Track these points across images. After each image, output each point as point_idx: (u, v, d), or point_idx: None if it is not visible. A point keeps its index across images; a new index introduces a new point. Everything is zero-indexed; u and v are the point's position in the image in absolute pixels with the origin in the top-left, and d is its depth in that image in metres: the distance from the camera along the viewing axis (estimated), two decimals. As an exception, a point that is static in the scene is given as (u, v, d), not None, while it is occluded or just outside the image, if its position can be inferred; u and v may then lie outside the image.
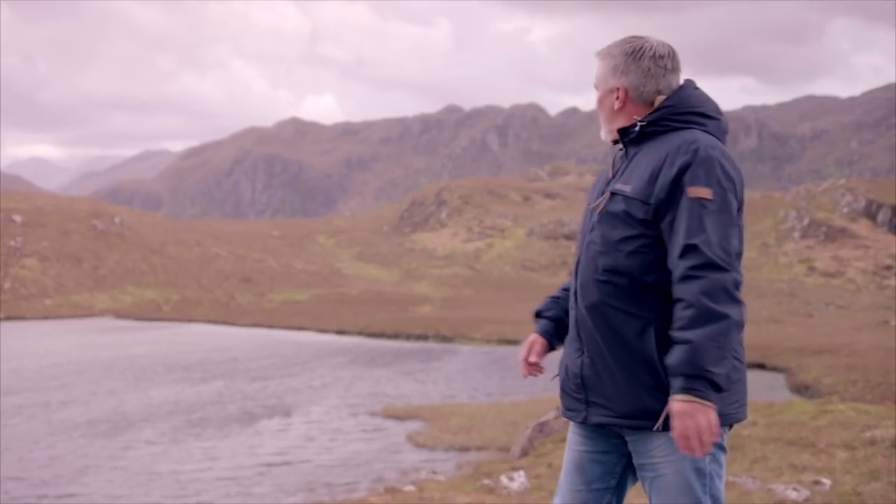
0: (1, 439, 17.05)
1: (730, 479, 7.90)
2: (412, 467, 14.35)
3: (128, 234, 77.88)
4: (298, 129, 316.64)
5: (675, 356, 2.53)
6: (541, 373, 3.01)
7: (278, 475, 14.30)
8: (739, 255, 2.75)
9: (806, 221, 75.11)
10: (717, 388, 2.52)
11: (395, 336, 41.91)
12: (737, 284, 2.55)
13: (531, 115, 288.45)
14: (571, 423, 2.93)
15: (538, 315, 3.06)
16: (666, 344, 2.63)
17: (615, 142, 2.89)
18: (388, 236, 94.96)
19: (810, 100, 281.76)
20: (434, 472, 12.96)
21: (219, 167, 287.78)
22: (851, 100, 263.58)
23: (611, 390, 2.74)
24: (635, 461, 2.80)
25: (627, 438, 2.79)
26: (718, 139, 2.75)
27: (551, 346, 3.02)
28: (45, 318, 55.95)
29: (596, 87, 2.90)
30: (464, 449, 15.88)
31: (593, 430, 2.87)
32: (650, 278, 2.66)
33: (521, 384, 25.35)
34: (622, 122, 2.83)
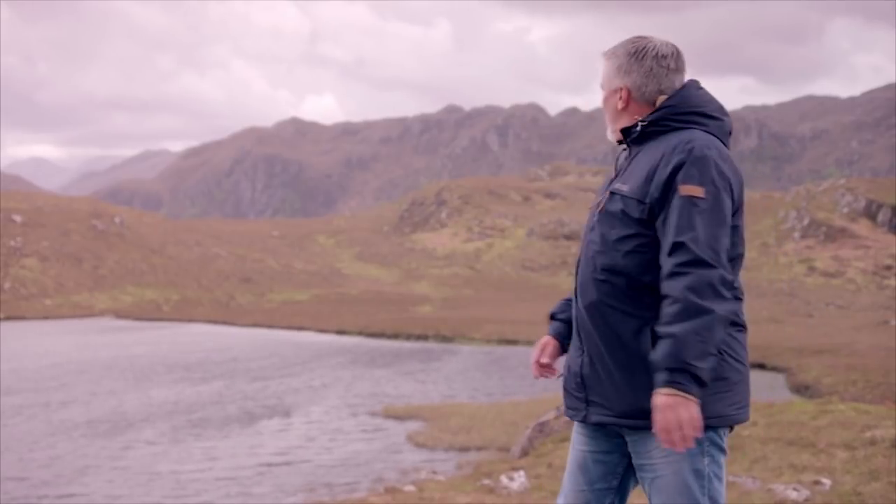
0: (1, 439, 17.05)
1: (730, 479, 7.90)
2: (412, 467, 14.35)
3: (128, 234, 77.89)
4: (298, 129, 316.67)
5: (658, 350, 2.55)
6: (553, 375, 3.02)
7: (278, 475, 14.30)
8: (741, 256, 2.76)
9: (806, 221, 75.11)
10: (700, 383, 2.53)
11: (395, 336, 41.92)
12: (724, 281, 2.56)
13: (531, 115, 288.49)
14: (575, 423, 2.94)
15: (552, 317, 3.08)
16: None
17: (619, 141, 2.90)
18: (388, 236, 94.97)
19: (810, 100, 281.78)
20: (434, 472, 12.96)
21: (219, 167, 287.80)
22: (851, 100, 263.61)
23: (609, 389, 2.75)
24: (635, 461, 2.81)
25: (627, 438, 2.80)
26: (720, 139, 2.76)
27: (564, 349, 3.02)
28: (45, 318, 55.95)
29: (602, 86, 2.92)
30: (464, 449, 15.88)
31: (596, 430, 2.88)
32: (647, 278, 2.67)
33: (521, 384, 25.36)
34: (625, 122, 2.85)
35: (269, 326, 48.47)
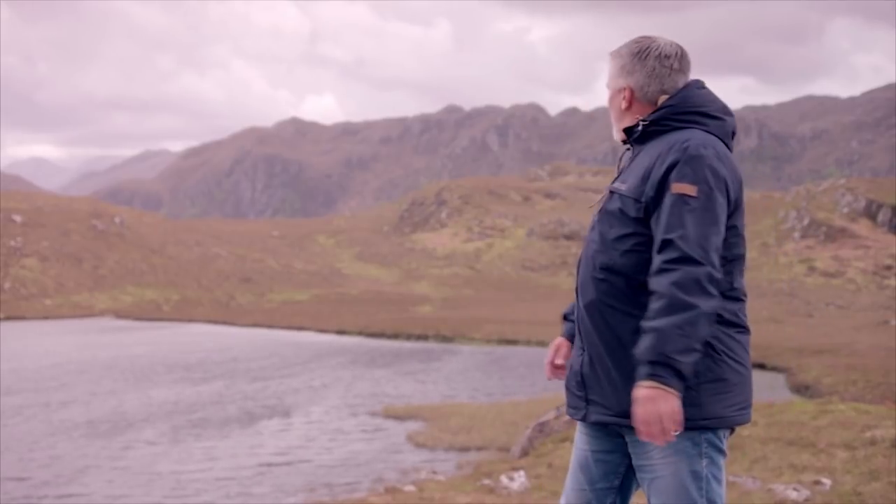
0: (1, 439, 17.05)
1: (730, 479, 7.90)
2: (412, 467, 14.35)
3: (128, 234, 77.89)
4: (298, 129, 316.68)
5: (641, 344, 2.56)
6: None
7: (278, 475, 14.30)
8: (742, 257, 2.76)
9: (806, 221, 75.11)
10: (682, 378, 2.53)
11: (395, 336, 41.92)
12: (711, 278, 2.56)
13: (531, 115, 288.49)
14: (578, 423, 2.95)
15: (565, 318, 3.09)
16: None
17: (624, 141, 2.91)
18: (388, 236, 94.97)
19: (810, 100, 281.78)
20: (434, 472, 12.96)
21: (219, 167, 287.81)
22: (851, 100, 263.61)
23: (608, 389, 2.76)
24: (634, 462, 2.81)
25: (627, 439, 2.80)
26: (722, 139, 2.77)
27: None
28: (45, 318, 55.95)
29: (607, 86, 2.94)
30: (464, 449, 15.88)
31: (598, 430, 2.88)
32: (645, 277, 2.67)
33: (521, 384, 25.37)
34: (629, 122, 2.87)
35: (269, 326, 48.47)
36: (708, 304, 2.54)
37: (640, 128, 2.82)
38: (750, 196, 74.83)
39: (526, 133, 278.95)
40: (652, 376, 2.53)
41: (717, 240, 2.61)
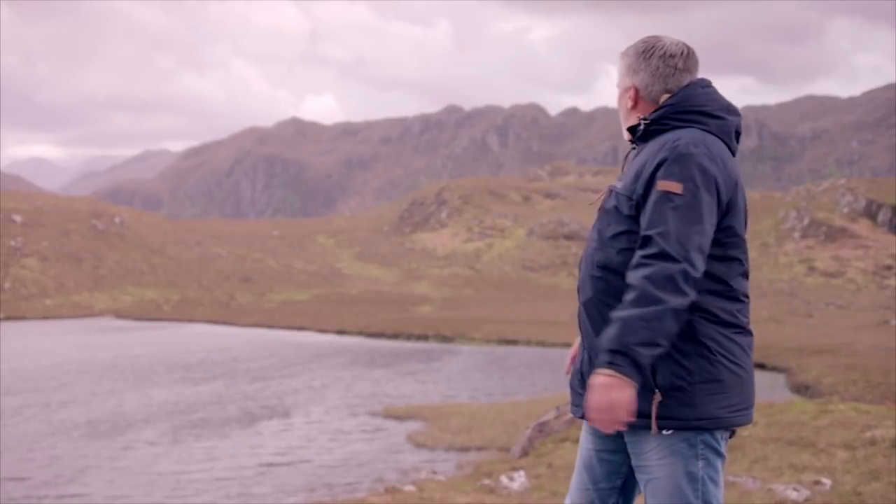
0: (1, 439, 17.05)
1: (730, 479, 7.90)
2: (412, 467, 14.35)
3: (128, 234, 77.89)
4: (298, 129, 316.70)
5: (606, 333, 2.58)
6: None
7: (279, 475, 14.30)
8: (738, 260, 2.74)
9: (806, 221, 75.11)
10: (640, 370, 2.54)
11: (395, 336, 41.91)
12: (686, 276, 2.56)
13: (531, 115, 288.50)
14: (584, 422, 2.96)
15: None
16: None
17: (630, 140, 2.92)
18: (388, 236, 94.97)
19: (810, 100, 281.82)
20: (434, 472, 12.96)
21: (219, 167, 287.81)
22: (851, 100, 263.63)
23: None
24: (633, 463, 2.82)
25: (626, 440, 2.81)
26: (722, 139, 2.76)
27: None
28: (45, 318, 55.94)
29: (617, 86, 2.95)
30: (464, 449, 15.88)
31: None
32: None
33: (521, 384, 25.38)
34: (634, 121, 2.89)
35: (269, 326, 48.47)
36: (677, 301, 2.54)
37: (641, 126, 2.83)
38: (750, 196, 74.59)
39: (526, 133, 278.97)
40: (610, 364, 2.53)
41: (699, 239, 2.60)
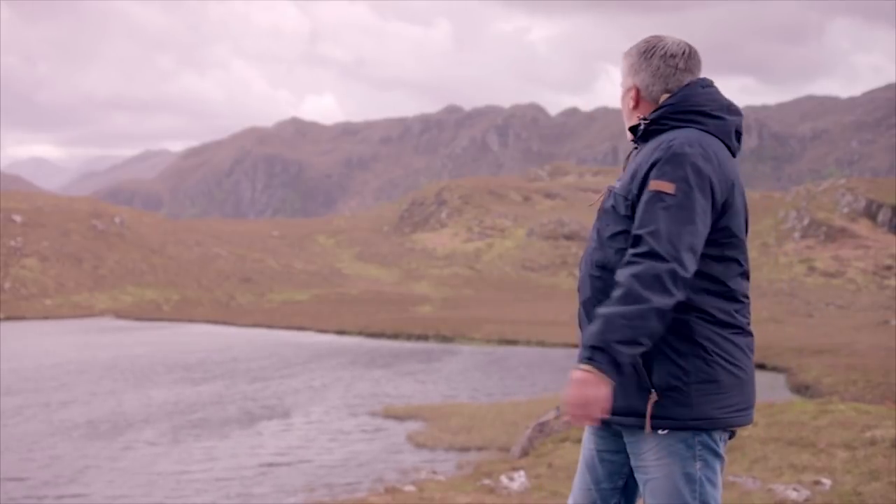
0: (1, 439, 17.05)
1: (730, 479, 7.90)
2: (412, 467, 14.35)
3: (128, 234, 77.90)
4: (298, 129, 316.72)
5: (589, 328, 2.59)
6: None
7: (279, 475, 14.30)
8: (735, 260, 2.74)
9: (806, 221, 75.12)
10: (619, 368, 2.54)
11: (395, 336, 41.92)
12: (674, 276, 2.55)
13: (531, 115, 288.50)
14: None
15: None
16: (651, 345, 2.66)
17: (632, 140, 2.93)
18: (388, 236, 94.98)
19: (810, 100, 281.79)
20: (434, 472, 12.96)
21: (219, 167, 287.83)
22: (851, 100, 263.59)
23: None
24: (632, 463, 2.82)
25: (626, 440, 2.81)
26: (722, 139, 2.76)
27: None
28: (45, 318, 55.96)
29: (621, 85, 2.96)
30: (464, 449, 15.88)
31: (603, 429, 2.89)
32: None
33: (521, 384, 25.38)
34: (636, 121, 2.88)
35: (269, 326, 48.47)
36: (662, 301, 2.53)
37: (641, 126, 2.83)
38: (750, 196, 74.40)
39: (526, 133, 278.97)
40: (589, 360, 2.54)
41: (691, 239, 2.59)
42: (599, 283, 2.76)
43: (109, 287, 66.58)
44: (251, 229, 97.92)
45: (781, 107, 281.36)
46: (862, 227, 73.64)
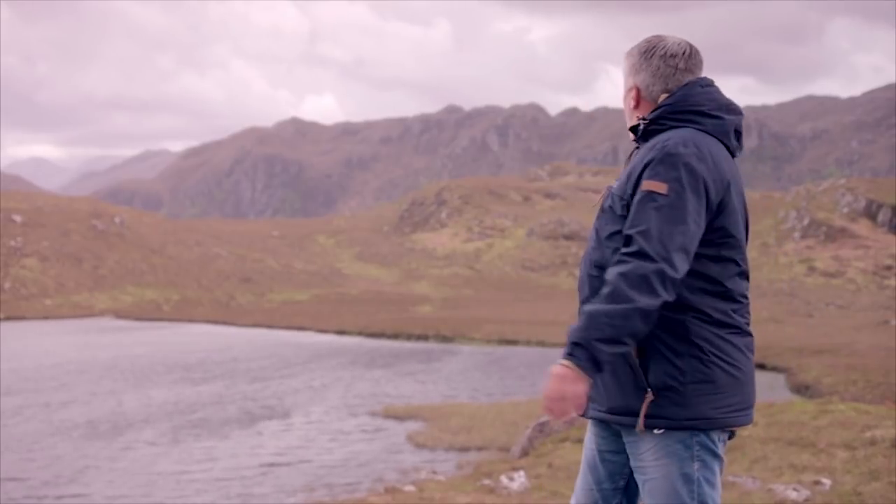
0: (1, 439, 17.05)
1: (730, 479, 7.90)
2: (412, 467, 14.35)
3: (128, 234, 77.90)
4: (298, 129, 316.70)
5: (573, 324, 2.61)
6: None
7: (279, 476, 14.30)
8: (733, 261, 2.73)
9: (806, 221, 75.12)
10: (598, 366, 2.55)
11: (395, 336, 41.91)
12: (662, 276, 2.55)
13: (531, 115, 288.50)
14: (589, 422, 2.97)
15: None
16: (646, 345, 2.66)
17: (634, 140, 2.94)
18: (388, 236, 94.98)
19: (810, 100, 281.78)
20: (434, 472, 12.96)
21: (219, 167, 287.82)
22: (851, 100, 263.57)
23: (601, 386, 2.79)
24: (631, 463, 2.82)
25: (625, 440, 2.81)
26: (719, 138, 2.76)
27: None
28: (45, 318, 55.95)
29: (623, 85, 2.97)
30: (464, 449, 15.88)
31: (605, 430, 2.90)
32: None
33: (521, 384, 25.37)
34: (636, 121, 2.88)
35: (269, 326, 48.47)
36: (646, 301, 2.53)
37: (641, 127, 2.84)
38: (750, 196, 74.68)
39: (526, 133, 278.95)
40: (570, 356, 2.56)
41: (683, 239, 2.59)
42: (597, 283, 2.75)
43: (109, 287, 66.58)
44: (251, 229, 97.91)
45: (781, 107, 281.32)
46: (862, 227, 73.64)
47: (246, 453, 16.08)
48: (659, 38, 2.86)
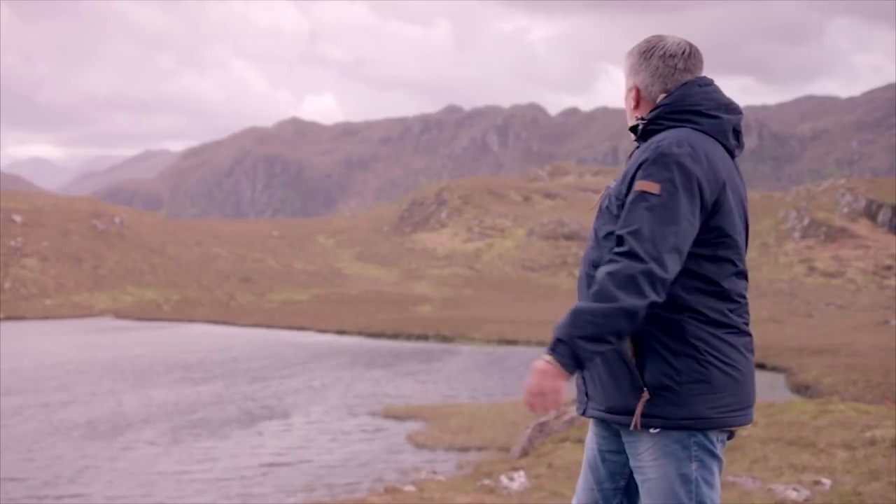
0: (1, 439, 17.05)
1: (730, 479, 7.90)
2: (412, 467, 14.35)
3: (128, 234, 77.89)
4: (298, 129, 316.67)
5: (559, 320, 2.61)
6: None
7: (279, 476, 14.30)
8: (730, 259, 2.72)
9: (806, 221, 75.11)
10: (579, 363, 2.56)
11: (395, 336, 41.91)
12: (651, 277, 2.54)
13: (531, 115, 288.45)
14: (591, 422, 2.98)
15: None
16: (643, 345, 2.67)
17: (635, 140, 2.95)
18: (388, 236, 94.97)
19: (810, 100, 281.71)
20: (434, 472, 12.96)
21: (219, 167, 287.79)
22: (851, 100, 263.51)
23: (599, 385, 2.80)
24: (630, 464, 2.83)
25: (624, 440, 2.81)
26: (717, 138, 2.76)
27: None
28: (45, 318, 55.95)
29: (625, 86, 2.97)
30: (464, 449, 15.88)
31: (606, 429, 2.91)
32: None
33: (521, 384, 25.29)
34: (636, 121, 2.89)
35: (269, 326, 48.47)
36: (631, 302, 2.53)
37: (640, 127, 2.84)
38: (750, 196, 74.11)
39: (526, 133, 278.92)
40: (553, 352, 2.57)
41: (675, 239, 2.58)
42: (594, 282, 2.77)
43: (109, 287, 66.57)
44: (251, 229, 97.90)
45: (781, 107, 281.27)
46: (862, 227, 73.63)
47: (246, 453, 16.08)
48: (658, 39, 2.86)
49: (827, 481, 7.66)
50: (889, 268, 66.79)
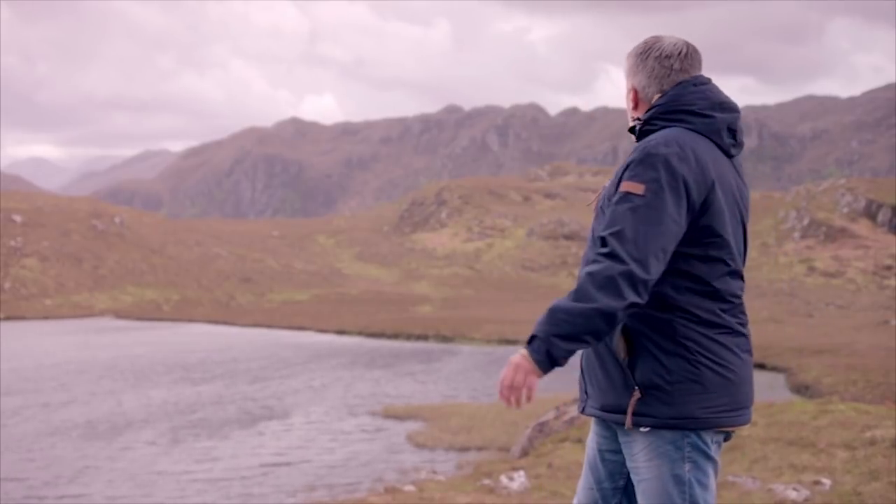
0: (1, 439, 17.05)
1: (730, 479, 7.91)
2: (412, 467, 14.35)
3: (128, 234, 77.88)
4: (298, 129, 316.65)
5: (539, 317, 2.62)
6: None
7: (279, 476, 14.30)
8: (721, 260, 2.70)
9: (806, 221, 75.10)
10: (553, 360, 2.56)
11: (395, 336, 41.90)
12: (631, 278, 2.53)
13: (531, 115, 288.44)
14: (592, 421, 2.98)
15: None
16: (635, 344, 2.67)
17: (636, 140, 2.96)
18: (388, 236, 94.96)
19: (810, 100, 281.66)
20: (434, 472, 12.96)
21: (219, 167, 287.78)
22: (851, 100, 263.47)
23: (596, 384, 2.81)
24: (627, 464, 2.83)
25: (620, 440, 2.82)
26: (710, 137, 2.75)
27: None
28: (45, 318, 55.94)
29: (625, 86, 2.98)
30: (464, 449, 15.88)
31: (606, 428, 2.91)
32: None
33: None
34: (634, 122, 2.90)
35: (269, 326, 48.46)
36: (609, 303, 2.52)
37: (637, 127, 2.85)
38: (750, 196, 74.60)
39: (526, 133, 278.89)
40: (528, 347, 2.58)
41: (661, 240, 2.57)
42: None
43: (109, 287, 66.57)
44: (251, 229, 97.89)
45: (781, 107, 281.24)
46: (862, 227, 73.62)
47: (246, 453, 16.08)
48: (655, 39, 2.86)
49: (827, 481, 7.66)
50: (889, 268, 66.79)
